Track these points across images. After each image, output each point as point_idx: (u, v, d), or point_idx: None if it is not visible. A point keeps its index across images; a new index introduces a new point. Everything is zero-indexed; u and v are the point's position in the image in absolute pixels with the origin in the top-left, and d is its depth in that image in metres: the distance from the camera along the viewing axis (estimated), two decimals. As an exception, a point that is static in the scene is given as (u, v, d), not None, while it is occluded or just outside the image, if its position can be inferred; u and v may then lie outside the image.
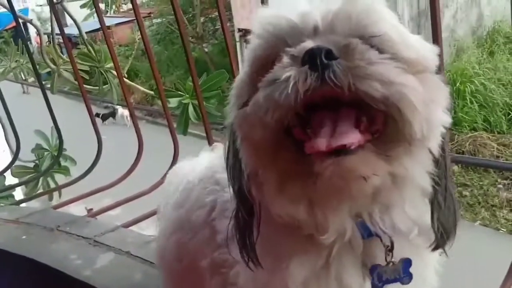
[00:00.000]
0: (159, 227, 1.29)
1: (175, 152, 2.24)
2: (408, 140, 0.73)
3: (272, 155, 0.74)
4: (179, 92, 2.54)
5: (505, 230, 9.39)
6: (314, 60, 0.70)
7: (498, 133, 11.48)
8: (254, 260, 0.85)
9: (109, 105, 13.67)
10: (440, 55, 1.36)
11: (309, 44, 0.73)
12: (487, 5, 14.70)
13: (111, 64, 2.53)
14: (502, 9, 13.99)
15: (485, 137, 11.40)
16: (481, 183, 10.59)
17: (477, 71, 12.46)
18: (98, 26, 2.42)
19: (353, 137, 0.69)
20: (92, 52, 2.71)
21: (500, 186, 10.40)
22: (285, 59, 0.73)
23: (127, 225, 2.01)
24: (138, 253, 1.73)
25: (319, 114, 0.71)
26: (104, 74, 2.62)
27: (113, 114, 14.24)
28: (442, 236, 0.84)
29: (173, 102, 2.53)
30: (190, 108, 2.53)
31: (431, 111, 0.74)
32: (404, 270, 0.85)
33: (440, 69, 1.36)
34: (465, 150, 10.98)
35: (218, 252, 0.99)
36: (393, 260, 0.84)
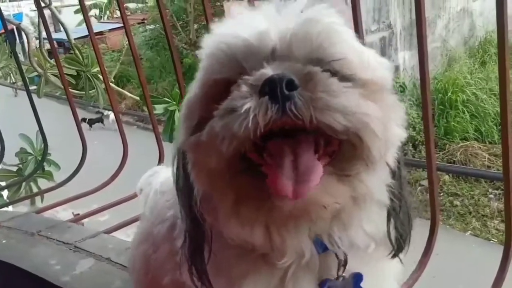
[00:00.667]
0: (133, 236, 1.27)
1: (160, 158, 2.23)
2: (366, 161, 0.72)
3: (227, 181, 0.72)
4: (166, 99, 2.53)
5: (496, 240, 9.40)
6: (274, 91, 0.67)
7: (490, 143, 11.53)
8: (206, 283, 0.83)
9: (100, 110, 13.65)
10: (424, 65, 1.37)
11: (268, 71, 0.70)
12: (479, 15, 14.84)
13: (98, 69, 2.52)
14: (494, 20, 14.00)
15: (476, 147, 11.45)
16: (472, 193, 10.61)
17: (468, 81, 12.54)
18: (95, 30, 2.41)
19: (316, 175, 0.68)
20: (80, 56, 2.69)
21: (491, 196, 10.42)
22: (243, 88, 0.70)
23: (110, 231, 1.99)
24: (119, 259, 1.71)
25: (276, 142, 0.70)
26: (91, 78, 2.60)
27: (100, 119, 14.18)
28: (399, 244, 0.84)
29: (159, 108, 2.52)
30: (177, 116, 2.52)
31: (388, 130, 0.74)
32: (355, 284, 0.84)
33: (423, 81, 1.37)
34: (456, 159, 11.02)
35: (178, 272, 0.97)
36: (343, 274, 0.82)
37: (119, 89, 2.76)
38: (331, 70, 0.72)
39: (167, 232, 1.01)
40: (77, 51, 2.64)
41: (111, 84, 2.49)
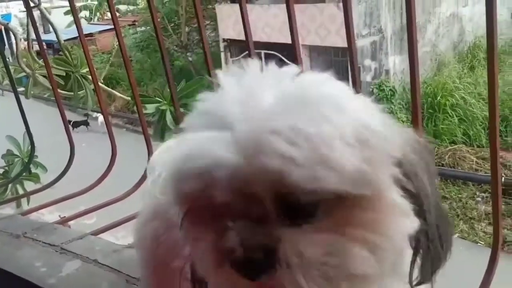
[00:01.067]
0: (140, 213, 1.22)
1: (149, 157, 2.22)
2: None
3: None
4: (157, 99, 2.53)
5: (483, 243, 9.48)
6: (247, 271, 0.61)
7: (478, 146, 11.67)
8: None
9: (87, 112, 13.58)
10: (414, 69, 1.38)
11: (233, 241, 0.61)
12: (468, 21, 15.02)
13: (87, 69, 2.51)
14: (483, 25, 14.20)
15: (464, 150, 11.57)
16: (459, 196, 10.72)
17: (457, 85, 12.68)
18: (85, 32, 2.39)
19: None
20: (69, 57, 2.68)
21: (479, 199, 10.52)
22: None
23: (97, 233, 1.97)
24: (106, 261, 1.69)
25: None
26: (80, 79, 2.58)
27: (86, 122, 14.11)
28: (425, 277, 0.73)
29: (150, 108, 2.51)
30: (168, 115, 2.52)
31: (392, 242, 0.63)
32: None
33: (413, 85, 1.37)
34: (444, 162, 11.13)
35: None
36: None
37: (108, 89, 2.75)
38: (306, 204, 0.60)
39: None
40: (66, 52, 2.63)
41: (100, 84, 2.47)
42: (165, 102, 2.52)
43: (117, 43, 2.16)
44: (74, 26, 2.45)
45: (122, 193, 2.22)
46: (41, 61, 3.05)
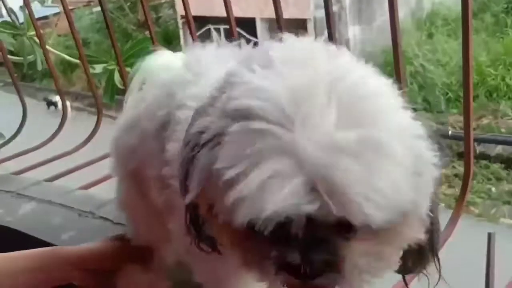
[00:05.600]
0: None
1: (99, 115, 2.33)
2: None
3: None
4: (104, 59, 2.57)
5: (443, 204, 9.84)
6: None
7: (437, 112, 11.94)
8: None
9: (48, 97, 13.26)
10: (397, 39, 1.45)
11: (298, 258, 0.64)
12: (425, -12, 15.19)
13: (33, 32, 2.55)
14: (440, -8, 14.50)
15: (424, 116, 11.82)
16: (420, 159, 10.99)
17: (416, 53, 12.88)
18: (40, 15, 2.45)
19: None
20: (16, 22, 2.72)
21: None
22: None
23: (51, 179, 2.06)
24: (59, 200, 1.79)
25: None
26: (29, 41, 2.63)
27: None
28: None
29: (98, 68, 2.55)
30: (116, 75, 2.55)
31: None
32: None
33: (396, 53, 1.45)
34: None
35: (166, 169, 0.91)
36: None
37: (56, 51, 2.79)
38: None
39: (155, 131, 0.97)
40: (13, 16, 2.66)
41: (47, 47, 2.53)
42: (112, 62, 2.55)
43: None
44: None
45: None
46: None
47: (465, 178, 1.51)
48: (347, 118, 0.61)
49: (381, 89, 0.68)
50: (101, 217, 1.61)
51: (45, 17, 16.42)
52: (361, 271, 0.67)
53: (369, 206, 0.58)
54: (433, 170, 0.67)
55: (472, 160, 1.45)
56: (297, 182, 0.58)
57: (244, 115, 0.61)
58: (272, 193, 0.58)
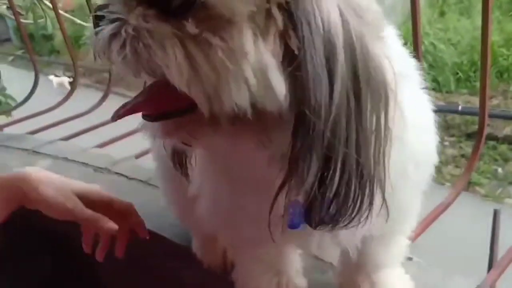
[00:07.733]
0: None
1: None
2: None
3: None
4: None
5: (449, 184, 9.83)
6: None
7: (446, 92, 11.84)
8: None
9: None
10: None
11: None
12: (439, -35, 14.92)
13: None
14: (454, -30, 14.24)
15: (433, 96, 11.74)
16: (428, 140, 10.96)
17: (427, 31, 12.70)
18: None
19: None
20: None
21: (446, 143, 10.81)
22: None
23: (66, 139, 2.10)
24: (74, 158, 1.83)
25: None
26: (39, 4, 2.63)
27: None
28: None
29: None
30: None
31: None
32: None
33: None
34: (413, 106, 11.31)
35: None
36: None
37: (68, 15, 2.79)
38: None
39: None
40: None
41: (60, 11, 2.54)
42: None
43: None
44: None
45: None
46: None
47: (479, 133, 1.54)
48: None
49: None
50: (116, 173, 1.65)
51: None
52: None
53: None
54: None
55: (486, 118, 1.47)
56: None
57: None
58: None
